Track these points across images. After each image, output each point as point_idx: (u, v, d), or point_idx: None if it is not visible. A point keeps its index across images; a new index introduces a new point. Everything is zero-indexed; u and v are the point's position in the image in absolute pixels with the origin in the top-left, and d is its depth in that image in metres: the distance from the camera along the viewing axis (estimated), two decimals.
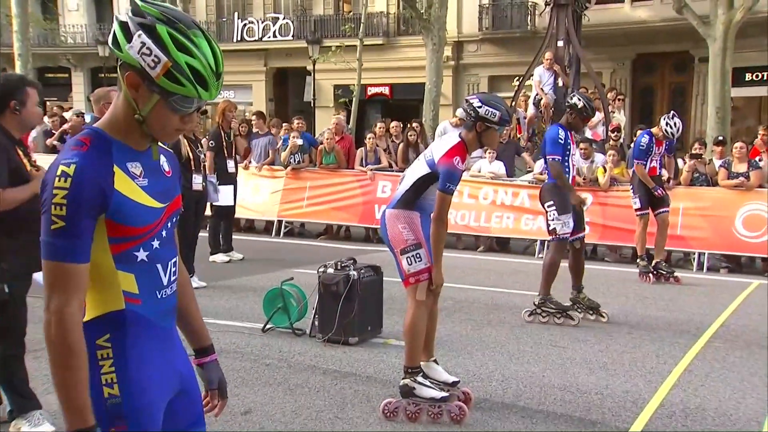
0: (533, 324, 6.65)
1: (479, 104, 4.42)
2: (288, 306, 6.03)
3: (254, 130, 12.15)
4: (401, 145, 12.06)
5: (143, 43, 1.74)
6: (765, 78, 21.30)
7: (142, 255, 1.85)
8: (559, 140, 6.58)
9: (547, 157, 6.70)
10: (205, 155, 8.28)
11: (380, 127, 12.31)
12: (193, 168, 7.63)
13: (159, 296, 1.91)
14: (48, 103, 29.81)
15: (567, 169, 6.65)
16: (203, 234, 8.91)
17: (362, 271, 5.90)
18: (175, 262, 1.97)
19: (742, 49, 17.85)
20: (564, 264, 6.85)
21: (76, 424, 1.72)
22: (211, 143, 9.07)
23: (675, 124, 8.57)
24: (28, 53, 18.95)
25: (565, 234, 6.68)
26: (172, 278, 1.96)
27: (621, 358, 5.71)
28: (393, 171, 11.73)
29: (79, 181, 1.72)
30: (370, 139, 11.85)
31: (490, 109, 4.39)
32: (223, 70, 1.84)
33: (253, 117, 12.70)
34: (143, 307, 1.88)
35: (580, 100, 6.70)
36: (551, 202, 6.66)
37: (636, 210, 9.01)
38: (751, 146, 11.25)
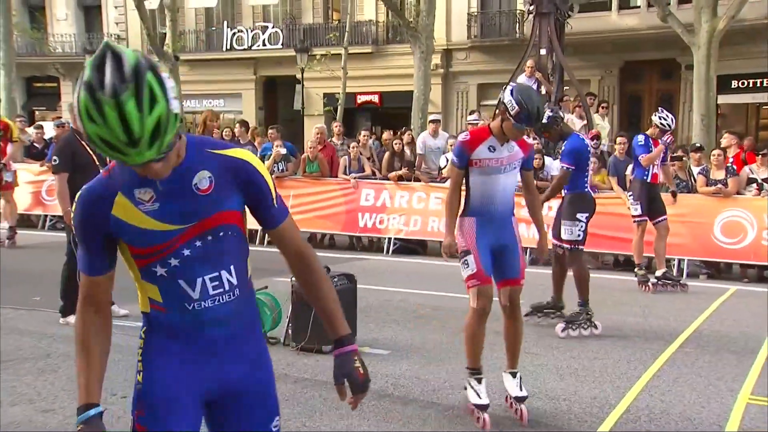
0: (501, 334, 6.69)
1: (509, 92, 4.44)
2: (262, 314, 6.07)
3: (239, 138, 12.20)
4: (386, 154, 12.13)
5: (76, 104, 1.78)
6: (751, 85, 21.48)
7: (160, 270, 2.00)
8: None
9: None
10: None
11: (364, 135, 12.37)
12: None
13: (189, 307, 2.03)
14: (37, 112, 29.94)
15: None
16: None
17: (335, 279, 5.94)
18: (216, 278, 2.02)
19: (729, 57, 18.01)
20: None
21: (78, 400, 2.01)
22: None
23: (667, 115, 8.63)
24: (12, 62, 18.91)
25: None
26: (211, 292, 2.03)
27: (592, 364, 5.76)
28: (376, 179, 11.80)
29: (78, 208, 1.98)
30: (353, 147, 11.91)
31: (512, 101, 4.37)
32: (147, 133, 1.71)
33: (236, 125, 12.77)
34: (168, 315, 2.06)
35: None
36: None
37: (635, 217, 8.95)
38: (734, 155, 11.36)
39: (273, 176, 11.83)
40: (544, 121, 6.53)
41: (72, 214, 2.01)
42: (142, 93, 1.70)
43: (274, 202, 2.08)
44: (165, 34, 22.50)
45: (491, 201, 4.54)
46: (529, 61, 13.02)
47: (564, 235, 6.89)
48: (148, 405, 2.07)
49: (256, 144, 12.41)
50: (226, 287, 2.05)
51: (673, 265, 9.98)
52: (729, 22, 15.19)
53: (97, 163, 6.54)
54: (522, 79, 12.72)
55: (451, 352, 6.01)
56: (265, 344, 2.26)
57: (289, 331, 5.95)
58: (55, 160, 6.54)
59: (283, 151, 11.74)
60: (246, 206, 2.08)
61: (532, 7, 14.04)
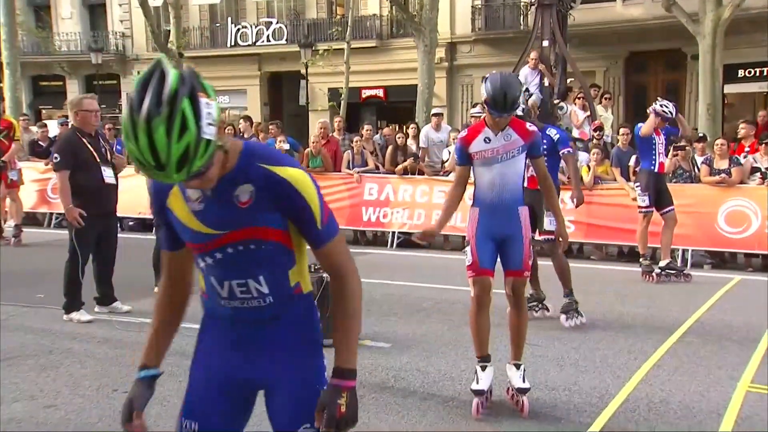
0: (504, 324, 6.69)
1: (483, 80, 4.48)
2: None
3: (242, 133, 12.25)
4: (390, 148, 12.13)
5: None
6: (758, 74, 21.33)
7: (201, 263, 2.12)
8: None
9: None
10: None
11: (367, 130, 12.38)
12: None
13: (221, 304, 2.14)
14: (43, 111, 30.08)
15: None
16: None
17: None
18: (243, 284, 2.08)
19: (735, 46, 17.91)
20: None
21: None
22: None
23: (667, 103, 8.59)
24: (17, 62, 18.97)
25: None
26: (239, 295, 2.10)
27: (593, 354, 5.76)
28: (379, 173, 11.80)
29: (150, 189, 2.14)
30: (357, 141, 11.92)
31: (483, 89, 4.45)
32: (174, 159, 1.76)
33: (241, 121, 12.81)
34: (209, 302, 2.19)
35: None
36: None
37: (641, 207, 8.92)
38: (737, 144, 11.32)
39: None
40: (519, 112, 6.56)
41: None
42: (173, 120, 1.74)
43: (318, 224, 2.05)
44: (169, 31, 22.56)
45: (492, 191, 4.57)
46: (532, 53, 12.98)
47: (548, 226, 6.84)
48: (189, 382, 2.25)
49: (260, 139, 12.44)
50: (254, 294, 2.10)
51: (678, 255, 9.95)
52: (734, 10, 15.12)
53: (98, 160, 6.58)
54: (525, 71, 12.69)
55: (452, 344, 6.02)
56: (313, 353, 2.20)
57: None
58: (56, 158, 6.57)
59: (286, 146, 11.76)
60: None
61: None
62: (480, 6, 24.49)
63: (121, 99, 29.88)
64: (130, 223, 12.89)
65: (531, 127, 4.67)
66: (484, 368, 4.64)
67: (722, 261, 10.21)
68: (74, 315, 6.64)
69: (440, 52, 22.26)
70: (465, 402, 4.71)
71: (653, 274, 8.80)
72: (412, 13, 18.55)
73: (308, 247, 2.17)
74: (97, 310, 6.90)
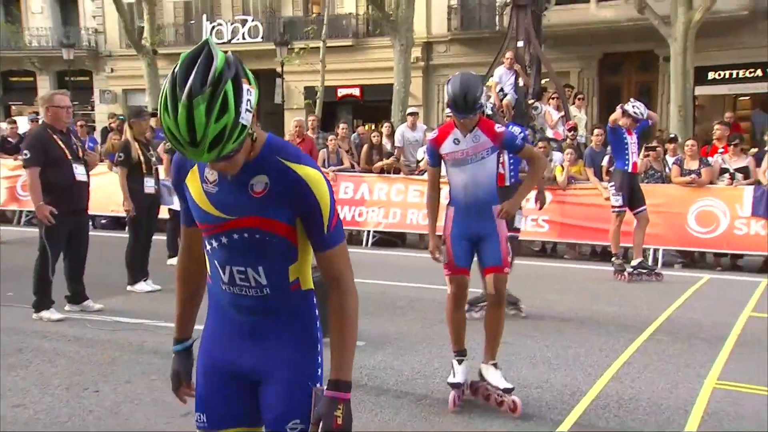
0: (482, 321, 6.73)
1: (447, 82, 4.54)
2: None
3: None
4: (365, 147, 12.14)
5: None
6: (728, 76, 21.64)
7: (208, 246, 2.15)
8: None
9: None
10: (157, 158, 8.28)
11: (342, 128, 12.37)
12: (144, 171, 7.68)
13: (223, 288, 2.16)
14: (13, 107, 29.63)
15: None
16: (160, 237, 8.93)
17: (312, 270, 5.94)
18: (242, 272, 2.11)
19: (706, 49, 18.15)
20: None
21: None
22: (168, 145, 9.07)
23: (638, 104, 8.71)
24: None
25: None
26: (238, 282, 2.12)
27: (565, 352, 5.82)
28: (355, 172, 11.81)
29: (171, 167, 2.24)
30: (332, 140, 11.91)
31: (446, 89, 4.51)
32: (209, 138, 1.80)
33: None
34: (212, 286, 2.22)
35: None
36: None
37: (614, 207, 9.03)
38: (710, 145, 11.50)
39: None
40: (488, 111, 6.64)
41: None
42: (215, 101, 1.79)
43: (325, 228, 2.06)
44: (143, 27, 22.35)
45: (465, 191, 4.61)
46: (507, 53, 13.05)
47: (517, 224, 6.93)
48: (199, 371, 2.27)
49: None
50: (252, 283, 2.12)
51: (649, 254, 10.08)
52: (705, 13, 15.33)
53: (70, 157, 6.50)
54: (500, 71, 12.77)
55: (426, 342, 6.05)
56: (308, 350, 2.19)
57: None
58: (26, 154, 6.47)
59: None
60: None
61: (509, 0, 14.08)
62: (456, 6, 24.55)
63: (93, 96, 29.60)
64: (103, 221, 12.76)
65: (499, 128, 4.67)
66: (460, 362, 4.71)
67: (692, 260, 10.36)
68: (44, 313, 6.56)
69: (416, 52, 22.30)
70: (438, 399, 4.74)
71: (625, 273, 8.90)
72: (388, 12, 18.58)
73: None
74: (67, 309, 6.82)
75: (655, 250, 10.12)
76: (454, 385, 4.63)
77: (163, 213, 8.91)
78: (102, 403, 4.62)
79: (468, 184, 4.58)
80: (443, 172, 4.79)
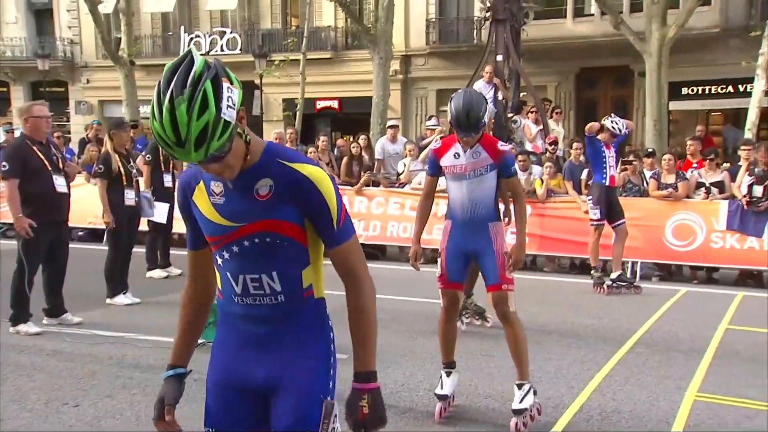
0: (466, 334, 6.76)
1: (450, 99, 4.52)
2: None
3: None
4: (345, 159, 12.15)
5: None
6: (700, 92, 22.01)
7: (219, 260, 2.17)
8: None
9: None
10: (137, 170, 8.22)
11: (323, 141, 12.38)
12: (125, 183, 7.63)
13: (235, 300, 2.17)
14: None
15: None
16: (140, 249, 8.85)
17: None
18: (256, 279, 2.12)
19: (679, 65, 18.44)
20: None
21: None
22: (148, 157, 9.05)
23: (618, 120, 8.81)
24: None
25: None
26: (251, 291, 2.14)
27: (547, 365, 5.84)
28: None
29: (177, 187, 2.27)
30: (312, 152, 11.90)
31: (449, 106, 4.49)
32: (193, 136, 1.87)
33: None
34: (223, 302, 2.22)
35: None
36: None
37: (593, 220, 9.13)
38: (684, 159, 11.66)
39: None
40: None
41: None
42: (195, 99, 1.86)
43: (334, 223, 2.10)
44: (120, 38, 22.20)
45: (461, 206, 4.63)
46: (487, 67, 13.16)
47: None
48: (209, 385, 2.27)
49: None
50: (267, 291, 2.14)
51: (627, 267, 10.18)
52: (678, 30, 15.58)
53: (50, 168, 6.44)
54: (480, 84, 12.85)
55: (409, 355, 6.05)
56: (321, 359, 2.20)
57: None
58: (4, 166, 6.39)
59: None
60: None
61: (488, 14, 14.21)
62: (434, 20, 24.73)
63: (69, 106, 29.30)
64: (80, 233, 12.61)
65: (503, 146, 4.63)
66: (448, 374, 4.74)
67: (669, 273, 10.48)
68: (21, 327, 6.46)
69: (395, 65, 22.38)
70: (422, 412, 4.75)
71: (604, 285, 8.98)
72: (366, 25, 18.64)
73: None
74: (45, 322, 6.74)
75: (634, 263, 10.21)
76: (440, 397, 4.65)
77: (143, 225, 8.84)
78: (82, 418, 4.56)
79: (465, 199, 4.59)
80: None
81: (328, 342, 2.24)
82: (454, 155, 4.59)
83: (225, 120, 1.89)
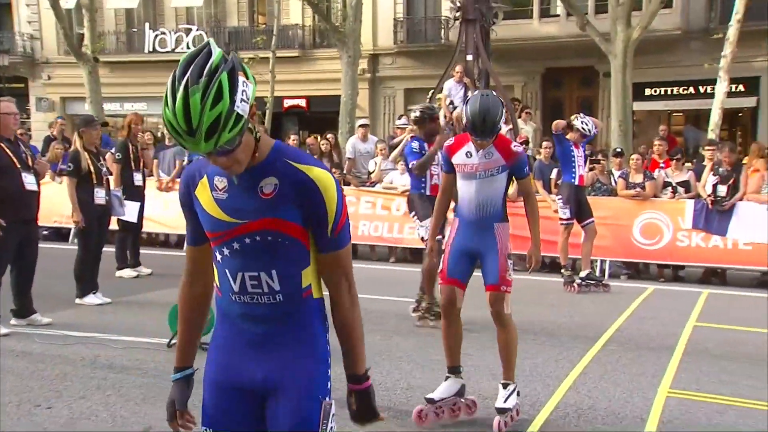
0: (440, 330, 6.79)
1: (466, 102, 4.56)
2: None
3: (166, 141, 12.01)
4: (315, 157, 12.09)
5: None
6: (663, 93, 22.43)
7: (218, 256, 2.15)
8: (414, 150, 7.01)
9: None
10: (107, 169, 8.10)
11: (293, 140, 12.33)
12: (94, 181, 7.51)
13: (233, 299, 2.15)
14: None
15: (423, 179, 7.06)
16: (110, 249, 8.73)
17: None
18: (255, 277, 2.11)
19: (643, 66, 18.76)
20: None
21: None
22: (118, 156, 8.93)
23: (588, 120, 8.93)
24: None
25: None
26: (249, 290, 2.12)
27: (522, 363, 5.85)
28: None
29: (180, 183, 2.24)
30: None
31: (464, 109, 4.55)
32: (204, 126, 1.86)
33: (165, 128, 12.53)
34: (221, 300, 2.20)
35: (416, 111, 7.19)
36: (413, 212, 6.97)
37: (562, 219, 9.23)
38: (650, 158, 11.86)
39: None
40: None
41: None
42: (210, 89, 1.86)
43: (329, 231, 2.10)
44: (83, 34, 21.81)
45: (470, 205, 4.61)
46: (457, 66, 13.23)
47: (420, 233, 7.15)
48: (206, 384, 2.25)
49: None
50: (265, 290, 2.12)
51: (596, 266, 10.32)
52: (642, 32, 15.84)
53: (19, 166, 6.31)
54: (450, 84, 12.92)
55: (385, 354, 6.05)
56: (318, 361, 2.20)
57: None
58: None
59: None
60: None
61: (458, 14, 14.28)
62: (402, 19, 24.78)
63: (29, 103, 28.70)
64: (44, 232, 12.36)
65: (516, 147, 4.63)
66: (446, 378, 4.71)
67: (636, 271, 10.66)
68: None
69: (362, 64, 22.39)
70: (401, 411, 4.76)
71: (574, 284, 9.09)
72: (335, 24, 18.61)
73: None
74: (14, 323, 6.60)
75: (602, 262, 10.37)
76: (426, 400, 4.60)
77: (114, 224, 8.72)
78: (56, 420, 4.48)
79: (473, 198, 4.57)
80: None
81: (325, 342, 2.24)
82: (466, 154, 4.58)
83: (238, 113, 1.89)
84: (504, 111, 4.65)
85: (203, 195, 2.15)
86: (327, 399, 2.17)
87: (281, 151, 2.11)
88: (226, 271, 2.14)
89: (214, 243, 2.16)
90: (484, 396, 5.06)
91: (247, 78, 1.95)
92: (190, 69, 1.89)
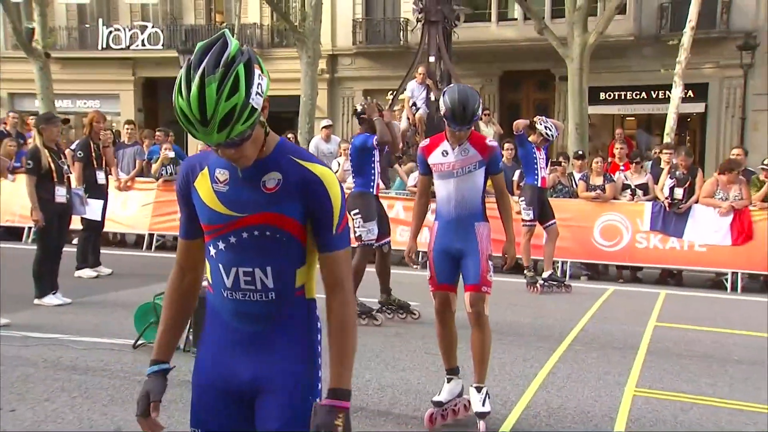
0: (409, 333, 6.82)
1: (443, 93, 4.51)
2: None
3: (124, 139, 11.79)
4: None
5: None
6: (617, 97, 22.90)
7: (212, 250, 2.11)
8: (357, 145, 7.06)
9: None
10: (68, 166, 7.90)
11: None
12: (55, 179, 7.33)
13: (225, 295, 2.11)
14: None
15: (373, 178, 7.08)
16: (70, 249, 8.53)
17: None
18: (249, 273, 2.07)
19: (598, 70, 19.11)
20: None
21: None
22: (80, 154, 8.75)
23: (550, 125, 9.06)
24: None
25: (371, 240, 7.02)
26: (242, 286, 2.08)
27: (491, 363, 5.87)
28: None
29: (178, 175, 2.21)
30: None
31: (442, 100, 4.49)
32: (219, 116, 1.86)
33: (127, 126, 12.34)
34: (213, 297, 2.16)
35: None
36: (356, 210, 6.96)
37: (525, 221, 9.29)
38: (610, 162, 12.08)
39: (161, 180, 11.51)
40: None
41: None
42: (226, 80, 1.86)
43: (334, 229, 2.08)
44: (32, 29, 21.24)
45: (448, 204, 4.58)
46: (420, 68, 13.28)
47: (359, 232, 7.15)
48: (195, 385, 2.21)
49: (144, 146, 12.01)
50: (259, 286, 2.09)
51: (557, 267, 10.46)
52: (598, 37, 16.14)
53: None
54: (413, 85, 12.96)
55: (373, 354, 6.04)
56: (310, 362, 2.16)
57: (190, 337, 5.78)
58: None
59: (171, 154, 11.44)
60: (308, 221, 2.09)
61: (421, 15, 14.34)
62: (361, 20, 24.78)
63: None
64: None
65: (491, 142, 4.64)
66: (449, 380, 4.70)
67: (597, 273, 10.84)
68: None
69: (321, 64, 22.29)
70: (373, 411, 4.76)
71: (537, 285, 9.20)
72: (294, 23, 18.50)
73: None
74: None
75: (563, 263, 10.51)
76: (434, 404, 4.58)
77: (75, 223, 8.53)
78: (20, 424, 4.36)
79: (452, 197, 4.54)
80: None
81: (316, 343, 2.21)
82: (442, 153, 4.56)
83: (252, 106, 1.89)
84: (480, 101, 4.64)
85: (203, 187, 2.12)
86: (318, 401, 2.13)
87: (286, 149, 2.11)
88: (220, 266, 2.10)
89: (210, 237, 2.12)
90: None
91: (262, 71, 1.95)
92: (206, 58, 1.87)
